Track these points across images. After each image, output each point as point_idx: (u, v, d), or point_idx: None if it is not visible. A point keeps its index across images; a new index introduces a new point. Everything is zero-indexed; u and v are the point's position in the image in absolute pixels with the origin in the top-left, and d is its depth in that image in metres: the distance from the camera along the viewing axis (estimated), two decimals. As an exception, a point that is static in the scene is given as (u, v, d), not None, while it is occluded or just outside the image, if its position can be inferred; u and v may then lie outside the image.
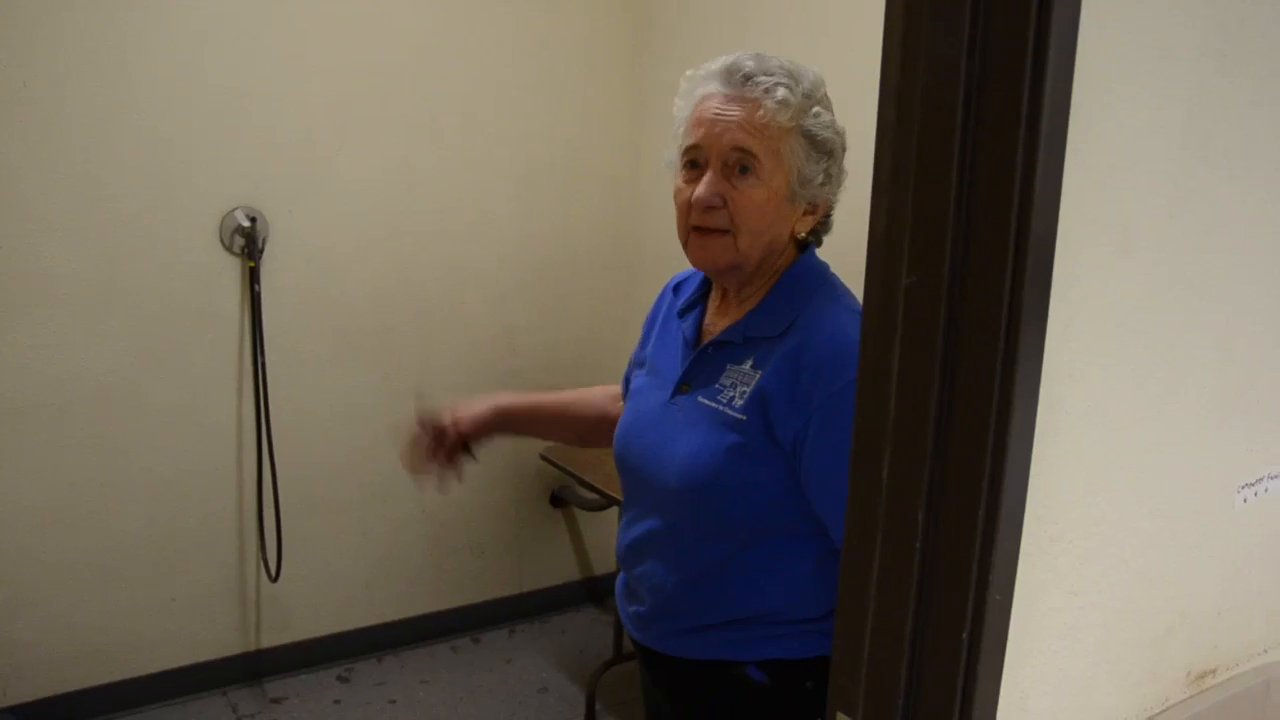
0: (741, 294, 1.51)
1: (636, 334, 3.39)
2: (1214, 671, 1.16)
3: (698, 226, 1.42)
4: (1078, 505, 0.93)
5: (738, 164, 1.38)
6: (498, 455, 3.56)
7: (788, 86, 1.37)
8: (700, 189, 1.39)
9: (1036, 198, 0.78)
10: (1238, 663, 1.19)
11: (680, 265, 3.47)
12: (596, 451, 2.97)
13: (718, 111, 1.38)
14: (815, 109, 1.40)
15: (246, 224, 2.96)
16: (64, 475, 2.86)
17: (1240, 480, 1.10)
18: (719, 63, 1.41)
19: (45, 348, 2.76)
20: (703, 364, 1.49)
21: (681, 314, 1.59)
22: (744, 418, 1.38)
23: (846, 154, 1.47)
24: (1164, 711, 1.09)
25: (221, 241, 2.96)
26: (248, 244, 2.96)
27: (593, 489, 2.73)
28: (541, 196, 3.48)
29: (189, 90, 2.82)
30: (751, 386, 1.39)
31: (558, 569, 3.84)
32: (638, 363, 1.66)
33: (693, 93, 1.45)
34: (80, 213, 2.74)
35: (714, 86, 1.41)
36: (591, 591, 3.91)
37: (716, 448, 1.40)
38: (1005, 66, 0.78)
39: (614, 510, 2.74)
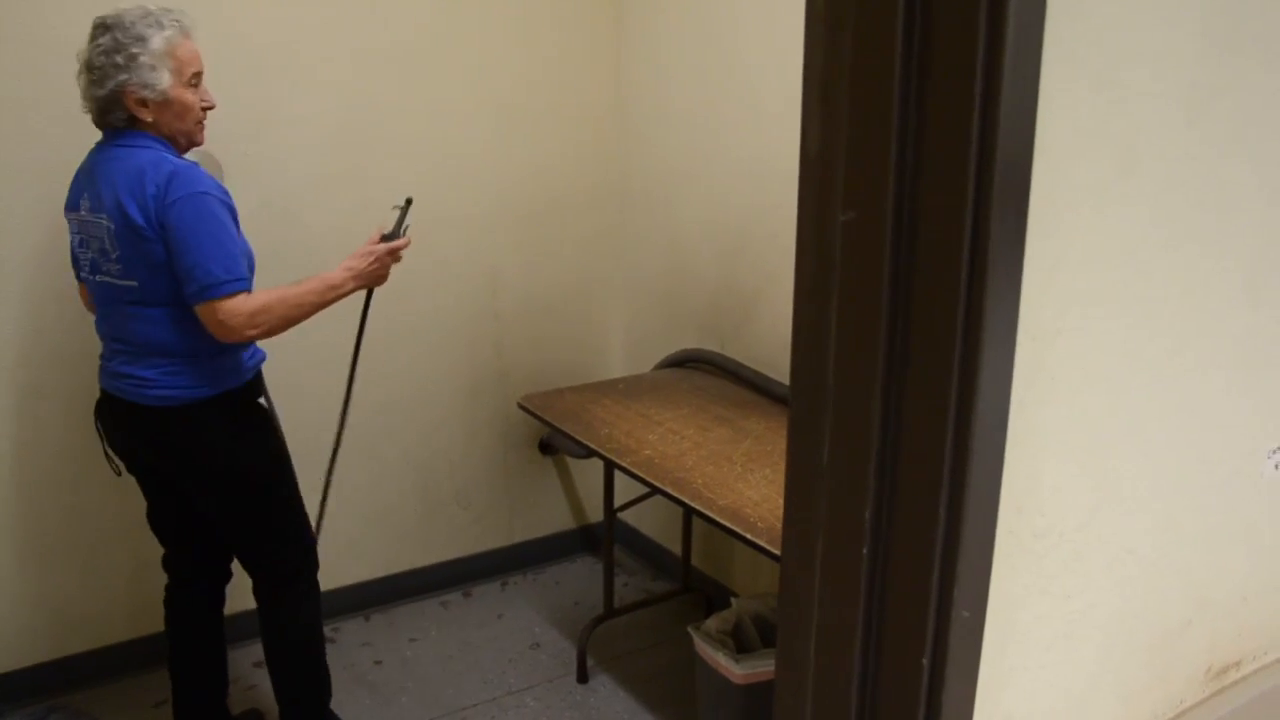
0: None
1: (624, 270, 3.16)
2: (1238, 664, 0.99)
3: (203, 121, 2.14)
4: (1069, 490, 0.75)
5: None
6: (482, 402, 3.40)
7: None
8: (210, 98, 2.14)
9: (1004, 103, 0.59)
10: (1266, 651, 1.02)
11: (668, 191, 3.23)
12: (576, 399, 2.81)
13: (195, 49, 2.09)
14: None
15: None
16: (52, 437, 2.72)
17: (1270, 444, 0.92)
18: (179, 16, 2.07)
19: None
20: None
21: None
22: None
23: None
24: (1179, 717, 0.92)
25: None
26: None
27: (571, 438, 2.57)
28: (520, 132, 3.26)
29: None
30: None
31: (550, 518, 3.69)
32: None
33: (168, 35, 2.03)
34: (17, 163, 2.56)
35: (183, 35, 2.06)
36: (586, 540, 3.77)
37: None
38: (961, -73, 0.58)
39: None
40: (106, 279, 2.12)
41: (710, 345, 3.08)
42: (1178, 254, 0.76)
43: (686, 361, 3.13)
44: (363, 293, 2.38)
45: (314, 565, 2.44)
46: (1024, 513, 0.71)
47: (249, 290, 2.08)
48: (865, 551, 0.69)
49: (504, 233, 3.31)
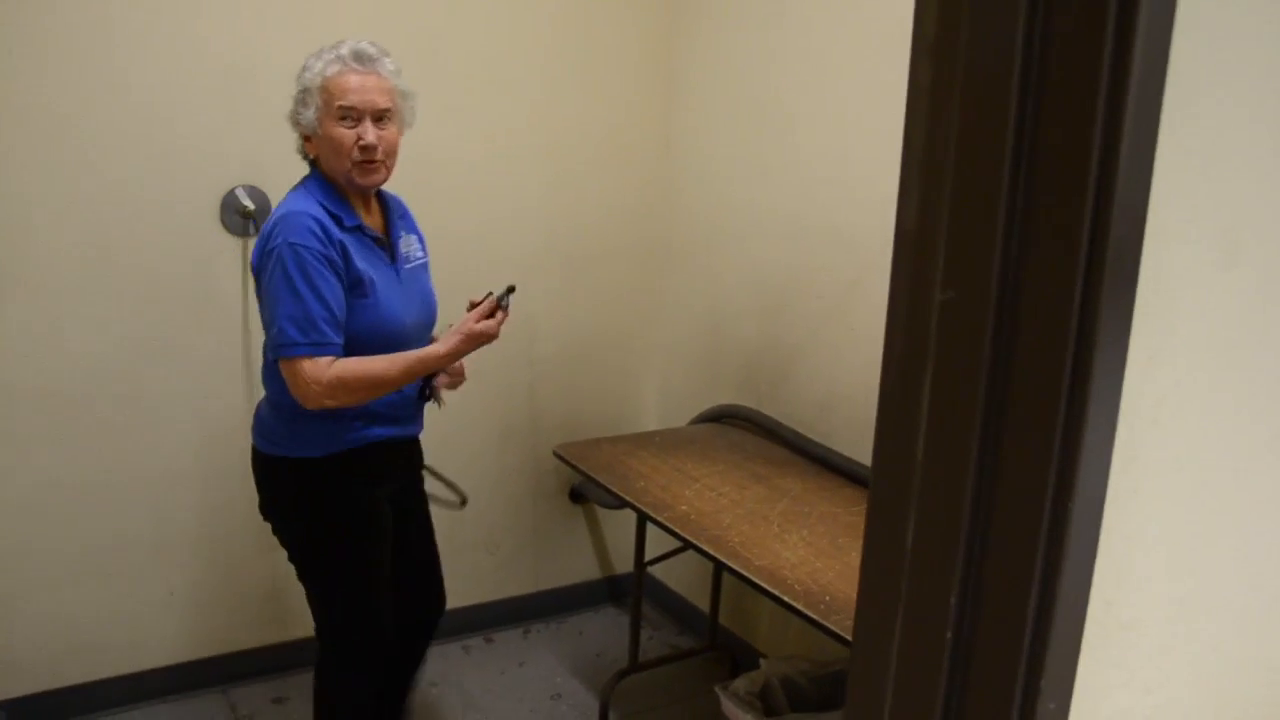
0: (369, 199, 2.17)
1: (664, 323, 3.18)
2: (1315, 766, 0.96)
3: (364, 161, 2.02)
4: (1158, 581, 0.73)
5: (379, 116, 2.02)
6: (513, 447, 3.39)
7: (393, 62, 2.06)
8: (369, 136, 2.00)
9: (1119, 188, 0.58)
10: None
11: (711, 247, 3.22)
12: (612, 450, 2.79)
13: (359, 82, 1.99)
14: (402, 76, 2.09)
15: (249, 204, 2.80)
16: (58, 467, 2.72)
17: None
18: (342, 48, 2.00)
19: (37, 333, 2.62)
20: (396, 245, 2.20)
21: (351, 230, 2.06)
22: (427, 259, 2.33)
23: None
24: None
25: (222, 222, 2.79)
26: (250, 225, 2.80)
27: (607, 490, 2.55)
28: (567, 183, 3.28)
29: (186, 64, 2.65)
30: (424, 248, 2.34)
31: (577, 567, 3.66)
32: (357, 280, 2.03)
33: (321, 67, 2.00)
34: (71, 192, 2.59)
35: (340, 66, 1.99)
36: (611, 590, 3.73)
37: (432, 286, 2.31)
38: (1080, 10, 0.58)
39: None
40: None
41: (747, 402, 3.06)
42: (1275, 349, 0.75)
43: (723, 417, 3.11)
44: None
45: (358, 655, 2.26)
46: (1113, 604, 0.70)
47: (330, 356, 1.95)
48: (949, 636, 0.67)
49: (545, 280, 3.32)
